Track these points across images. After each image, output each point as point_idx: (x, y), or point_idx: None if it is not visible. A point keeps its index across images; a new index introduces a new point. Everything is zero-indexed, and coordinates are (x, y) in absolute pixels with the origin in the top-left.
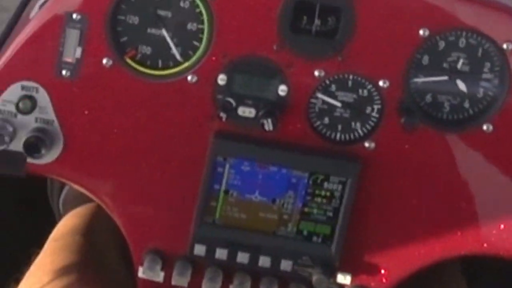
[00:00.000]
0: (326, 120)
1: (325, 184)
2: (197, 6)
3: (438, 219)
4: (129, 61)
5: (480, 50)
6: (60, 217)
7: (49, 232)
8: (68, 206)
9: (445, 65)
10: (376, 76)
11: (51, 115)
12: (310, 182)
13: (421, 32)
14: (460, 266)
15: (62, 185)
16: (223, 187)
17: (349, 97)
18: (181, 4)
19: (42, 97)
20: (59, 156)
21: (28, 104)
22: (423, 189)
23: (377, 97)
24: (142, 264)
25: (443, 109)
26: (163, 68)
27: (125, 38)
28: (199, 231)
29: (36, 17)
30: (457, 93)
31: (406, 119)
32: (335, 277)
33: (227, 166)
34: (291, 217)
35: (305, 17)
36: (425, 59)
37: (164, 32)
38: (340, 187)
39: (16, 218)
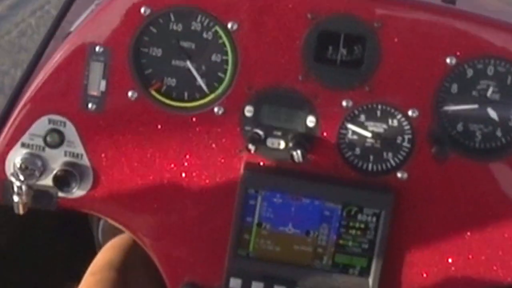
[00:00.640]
0: (358, 150)
1: (359, 216)
2: (220, 37)
3: (477, 249)
4: (154, 93)
5: (510, 78)
6: (100, 246)
7: (89, 263)
8: (106, 235)
9: (474, 93)
10: (405, 106)
11: (79, 148)
12: (344, 214)
13: (448, 60)
14: None
15: None
16: (255, 220)
17: (379, 127)
18: (204, 35)
19: (70, 130)
20: (90, 190)
21: (56, 137)
22: (458, 218)
23: (407, 127)
24: None
25: (475, 138)
26: (189, 100)
27: (149, 70)
28: (233, 264)
29: (59, 50)
30: (489, 121)
31: (437, 148)
32: None
33: (259, 198)
34: (326, 249)
35: (330, 47)
36: (454, 88)
37: (188, 63)
38: (374, 218)
39: (58, 249)
